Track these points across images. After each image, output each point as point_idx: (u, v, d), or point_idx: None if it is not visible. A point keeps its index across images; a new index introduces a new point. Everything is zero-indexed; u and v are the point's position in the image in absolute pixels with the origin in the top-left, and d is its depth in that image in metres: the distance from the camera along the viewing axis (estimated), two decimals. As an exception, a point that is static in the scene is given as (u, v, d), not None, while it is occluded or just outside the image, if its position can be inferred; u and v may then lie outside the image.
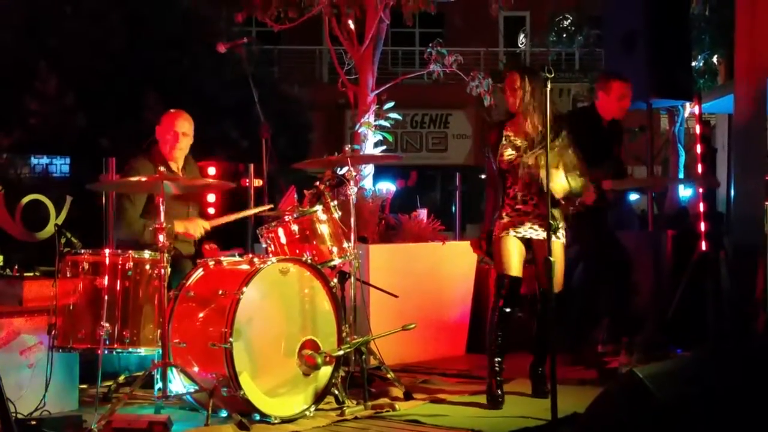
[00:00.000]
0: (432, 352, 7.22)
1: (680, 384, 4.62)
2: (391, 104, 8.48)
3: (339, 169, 6.19)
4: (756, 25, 7.82)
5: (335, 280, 5.61)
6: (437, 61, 8.58)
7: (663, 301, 7.10)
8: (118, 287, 5.12)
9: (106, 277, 5.10)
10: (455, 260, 7.46)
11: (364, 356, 5.53)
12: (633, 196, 9.32)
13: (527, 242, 5.69)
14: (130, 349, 5.17)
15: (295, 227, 5.70)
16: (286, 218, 5.72)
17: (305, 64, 21.99)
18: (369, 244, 6.99)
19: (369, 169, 8.48)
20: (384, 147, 8.63)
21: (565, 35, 19.21)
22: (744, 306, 7.50)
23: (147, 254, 5.22)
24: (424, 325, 6.56)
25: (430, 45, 8.65)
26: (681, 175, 17.49)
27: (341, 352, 5.30)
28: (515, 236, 5.66)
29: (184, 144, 6.11)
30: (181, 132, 6.07)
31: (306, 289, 5.36)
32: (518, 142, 5.68)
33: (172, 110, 6.18)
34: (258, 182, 6.99)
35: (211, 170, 7.17)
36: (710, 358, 5.23)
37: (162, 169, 5.24)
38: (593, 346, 6.77)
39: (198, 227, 6.07)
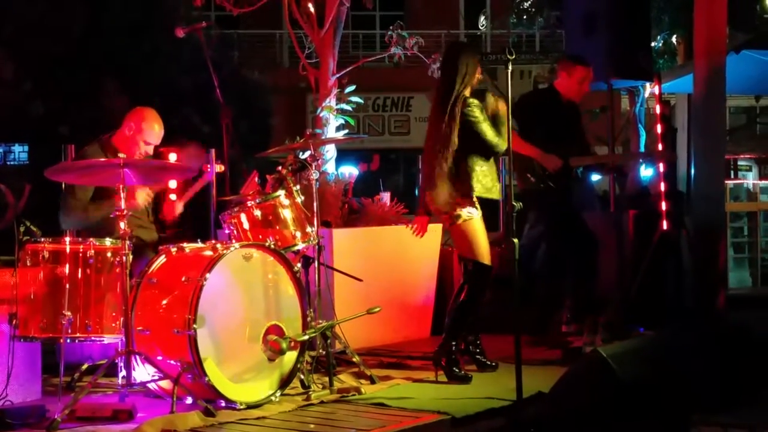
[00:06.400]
0: (397, 335, 7.23)
1: (643, 363, 4.67)
2: (352, 88, 8.45)
3: (301, 153, 6.16)
4: (714, 4, 7.86)
5: (299, 264, 5.59)
6: (398, 44, 8.55)
7: (626, 281, 7.16)
8: (79, 275, 5.08)
9: (67, 266, 5.06)
10: (419, 243, 7.43)
11: (329, 340, 5.52)
12: (594, 177, 9.35)
13: None
14: (93, 337, 5.14)
15: (257, 212, 5.68)
16: (249, 203, 5.70)
17: (266, 48, 21.85)
18: (332, 229, 6.97)
19: (331, 153, 8.46)
20: (346, 131, 8.59)
21: (525, 17, 19.24)
22: (705, 284, 7.58)
23: (108, 242, 5.18)
24: (389, 309, 6.56)
25: (391, 28, 8.62)
26: (641, 157, 17.56)
27: (306, 337, 5.29)
28: None
29: (143, 150, 6.01)
30: (146, 140, 5.99)
31: (270, 274, 5.35)
32: None
33: (146, 111, 6.07)
34: (219, 168, 6.94)
35: (172, 156, 7.10)
36: (672, 337, 5.29)
37: (122, 155, 5.16)
38: (557, 326, 6.81)
39: (141, 195, 5.95)
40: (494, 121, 5.90)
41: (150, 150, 6.04)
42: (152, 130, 6.00)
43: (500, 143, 5.83)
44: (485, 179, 5.91)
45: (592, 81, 7.01)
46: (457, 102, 5.78)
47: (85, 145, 6.11)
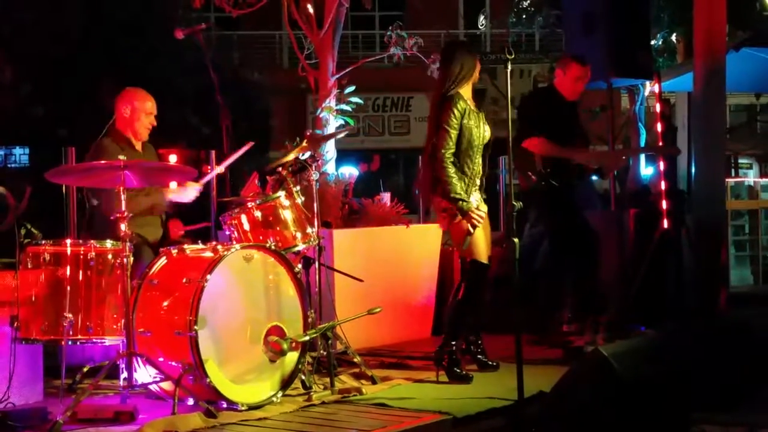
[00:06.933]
0: (398, 336, 7.22)
1: (644, 362, 4.68)
2: (351, 88, 8.45)
3: (301, 154, 6.16)
4: (714, 3, 7.87)
5: (299, 265, 5.59)
6: (397, 44, 8.55)
7: (627, 280, 7.15)
8: (80, 277, 5.08)
9: (68, 268, 5.06)
10: (419, 243, 7.47)
11: (330, 341, 5.53)
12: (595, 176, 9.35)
13: None
14: (94, 339, 5.14)
15: (258, 213, 5.68)
16: (249, 205, 5.70)
17: (265, 49, 21.85)
18: (333, 229, 6.97)
19: (331, 154, 8.46)
20: (346, 132, 8.58)
21: (524, 16, 19.23)
22: (706, 283, 7.58)
23: (109, 243, 5.18)
24: (390, 309, 6.56)
25: (390, 28, 8.61)
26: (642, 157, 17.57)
27: (307, 338, 5.29)
28: None
29: (147, 122, 6.06)
30: (146, 111, 6.04)
31: (270, 275, 5.35)
32: None
33: (132, 90, 6.12)
34: (220, 169, 6.95)
35: (173, 158, 7.11)
36: (673, 336, 5.29)
37: (122, 157, 5.15)
38: (558, 326, 6.81)
39: (190, 191, 5.99)
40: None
41: (153, 120, 6.08)
42: (145, 102, 6.07)
43: (447, 157, 5.61)
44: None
45: (592, 80, 7.01)
46: (444, 101, 5.75)
47: (86, 146, 6.10)
